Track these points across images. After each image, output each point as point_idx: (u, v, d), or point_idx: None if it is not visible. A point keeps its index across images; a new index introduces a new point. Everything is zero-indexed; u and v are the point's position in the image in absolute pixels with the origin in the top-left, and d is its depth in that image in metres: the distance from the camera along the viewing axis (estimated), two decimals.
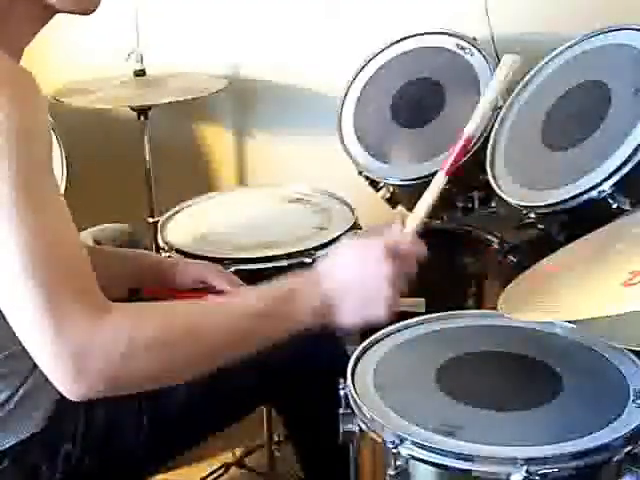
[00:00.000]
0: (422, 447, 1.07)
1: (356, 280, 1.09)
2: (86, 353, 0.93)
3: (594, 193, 1.54)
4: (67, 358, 0.92)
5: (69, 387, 0.94)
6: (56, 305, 0.92)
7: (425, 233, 1.22)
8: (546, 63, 1.82)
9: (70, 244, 0.97)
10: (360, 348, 1.27)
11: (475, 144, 1.74)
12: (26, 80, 0.98)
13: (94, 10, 1.08)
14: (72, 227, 0.98)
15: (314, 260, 1.61)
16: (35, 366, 1.14)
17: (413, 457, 1.07)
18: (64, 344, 0.92)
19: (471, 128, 1.28)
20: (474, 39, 1.97)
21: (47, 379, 0.95)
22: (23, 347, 0.95)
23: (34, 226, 0.92)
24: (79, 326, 0.92)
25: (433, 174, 1.82)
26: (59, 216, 0.97)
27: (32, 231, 0.92)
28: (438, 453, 1.06)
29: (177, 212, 1.87)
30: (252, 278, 1.61)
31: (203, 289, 1.46)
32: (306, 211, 1.83)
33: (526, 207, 1.66)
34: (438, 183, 1.25)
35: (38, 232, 0.92)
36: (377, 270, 1.09)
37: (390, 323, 1.23)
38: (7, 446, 1.15)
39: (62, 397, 1.19)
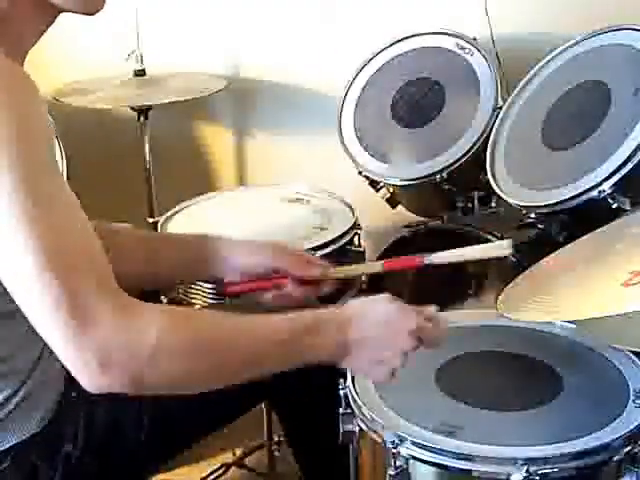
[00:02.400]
0: (422, 447, 1.07)
1: (378, 342, 1.10)
2: (112, 348, 0.92)
3: (594, 193, 1.54)
4: (92, 351, 0.92)
5: (91, 380, 0.94)
6: (77, 298, 0.91)
7: (425, 233, 1.22)
8: (546, 63, 1.82)
9: (85, 237, 0.97)
10: None
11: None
12: (23, 82, 0.97)
13: (99, 10, 1.08)
14: (84, 222, 0.98)
15: None
16: (35, 366, 1.14)
17: (413, 457, 1.08)
18: (89, 338, 0.91)
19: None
20: (474, 39, 1.97)
21: (47, 380, 0.95)
22: (24, 347, 0.95)
23: (44, 222, 0.92)
24: (105, 320, 0.92)
25: (433, 174, 1.86)
26: (69, 211, 0.97)
27: (42, 227, 0.92)
28: (438, 453, 1.06)
29: (177, 212, 1.86)
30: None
31: (281, 276, 1.35)
32: (306, 211, 1.83)
33: (526, 207, 1.66)
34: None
35: (48, 228, 0.92)
36: (401, 342, 1.10)
37: None
38: (7, 446, 1.15)
39: (62, 397, 1.19)
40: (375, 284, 1.67)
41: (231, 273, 1.35)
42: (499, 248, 1.27)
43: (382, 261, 1.33)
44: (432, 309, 1.16)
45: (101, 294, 0.93)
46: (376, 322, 1.11)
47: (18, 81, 0.97)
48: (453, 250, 1.27)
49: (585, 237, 1.29)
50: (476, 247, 1.30)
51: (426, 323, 1.13)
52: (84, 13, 1.07)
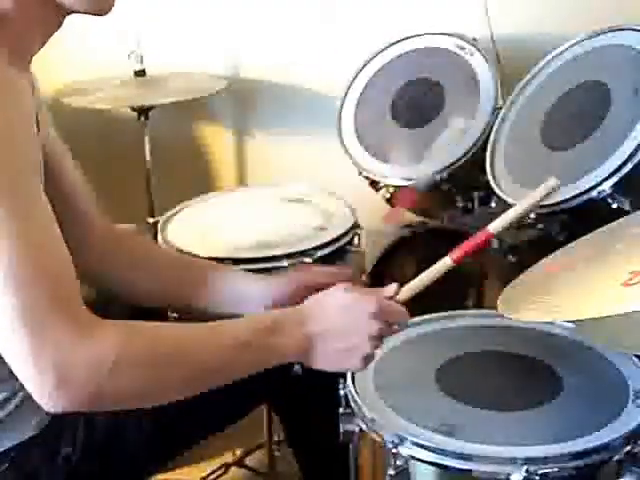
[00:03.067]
0: (422, 447, 1.07)
1: (339, 330, 1.10)
2: (69, 366, 0.91)
3: (594, 193, 1.54)
4: (48, 370, 0.91)
5: (48, 400, 0.93)
6: (35, 315, 0.90)
7: (425, 233, 1.22)
8: (546, 63, 1.82)
9: (52, 254, 0.95)
10: None
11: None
12: (6, 86, 0.96)
13: (109, 11, 1.06)
14: (56, 235, 0.97)
15: (314, 261, 1.61)
16: None
17: (413, 457, 1.08)
18: (45, 355, 0.90)
19: (496, 226, 1.21)
20: (474, 39, 1.97)
21: None
22: None
23: (16, 237, 0.90)
24: (62, 338, 0.91)
25: (433, 174, 1.85)
26: (40, 226, 0.95)
27: (14, 241, 0.90)
28: (438, 453, 1.06)
29: (177, 212, 1.86)
30: None
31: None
32: (306, 211, 1.83)
33: None
34: (441, 268, 1.19)
35: (18, 241, 0.90)
36: (364, 326, 1.10)
37: None
38: (6, 448, 1.15)
39: None
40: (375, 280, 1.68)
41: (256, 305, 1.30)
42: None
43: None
44: (392, 287, 1.15)
45: (58, 312, 0.92)
46: (334, 311, 1.11)
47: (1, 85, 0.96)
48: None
49: (585, 237, 1.29)
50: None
51: (387, 303, 1.13)
52: (94, 13, 1.06)
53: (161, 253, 1.49)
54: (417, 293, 1.18)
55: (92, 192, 1.37)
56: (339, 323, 1.10)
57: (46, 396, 0.93)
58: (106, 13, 1.07)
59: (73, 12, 1.05)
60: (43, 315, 0.91)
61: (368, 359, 1.11)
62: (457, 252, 1.19)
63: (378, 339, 1.11)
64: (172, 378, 1.01)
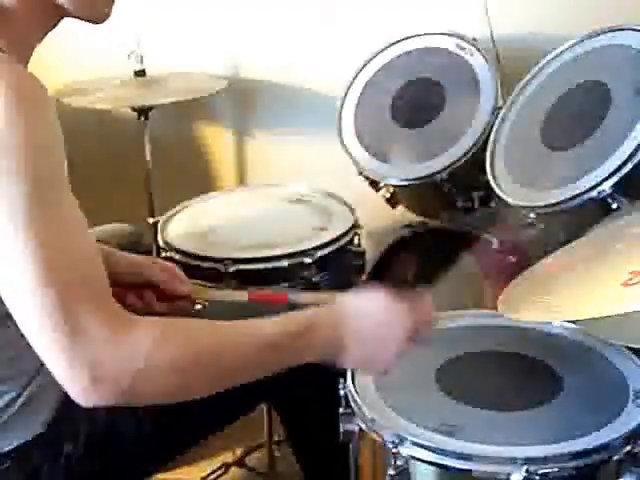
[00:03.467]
0: (422, 447, 1.07)
1: (374, 335, 1.11)
2: (102, 363, 0.92)
3: (594, 193, 1.54)
4: (82, 367, 0.91)
5: (81, 395, 0.93)
6: (70, 312, 0.91)
7: (425, 233, 1.22)
8: (546, 63, 1.82)
9: (84, 252, 0.96)
10: None
11: None
12: (31, 84, 0.97)
13: (105, 19, 1.08)
14: (87, 235, 0.98)
15: (314, 261, 1.61)
16: (39, 367, 1.14)
17: (413, 457, 1.08)
18: (80, 352, 0.91)
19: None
20: (474, 39, 1.97)
21: (51, 380, 0.95)
22: (29, 347, 0.94)
23: (46, 235, 0.91)
24: (96, 335, 0.92)
25: (433, 174, 1.85)
26: (73, 225, 0.96)
27: (44, 240, 0.91)
28: (438, 453, 1.06)
29: (177, 212, 1.86)
30: (252, 278, 1.61)
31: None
32: (306, 211, 1.83)
33: (526, 207, 1.66)
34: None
35: (50, 241, 0.92)
36: (397, 334, 1.11)
37: None
38: (10, 447, 1.15)
39: (65, 399, 1.19)
40: (375, 280, 1.68)
41: None
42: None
43: (247, 291, 1.34)
44: (429, 305, 1.17)
45: (93, 309, 0.93)
46: (374, 321, 1.11)
47: (28, 86, 0.96)
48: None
49: (585, 237, 1.29)
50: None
51: (421, 321, 1.14)
52: (90, 21, 1.08)
53: None
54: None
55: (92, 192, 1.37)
56: (375, 334, 1.11)
57: (79, 392, 0.93)
58: (102, 22, 1.08)
59: (70, 16, 1.06)
60: (76, 313, 0.92)
61: (392, 361, 1.13)
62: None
63: (406, 343, 1.12)
64: (203, 378, 1.01)
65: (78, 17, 1.06)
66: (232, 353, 1.03)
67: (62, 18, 1.07)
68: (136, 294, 1.35)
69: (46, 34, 1.09)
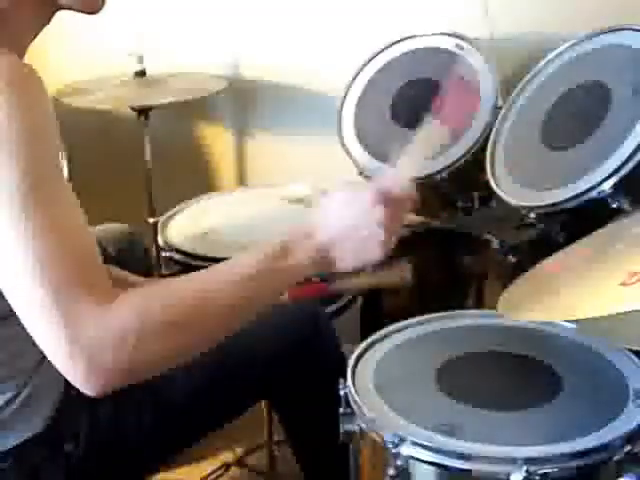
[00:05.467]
0: (422, 447, 1.07)
1: (349, 228, 1.10)
2: (98, 347, 0.92)
3: (594, 193, 1.54)
4: (80, 355, 0.91)
5: (86, 383, 0.94)
6: (66, 302, 0.91)
7: (425, 233, 1.22)
8: (546, 63, 1.82)
9: (79, 239, 0.96)
10: (360, 348, 1.27)
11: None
12: (27, 76, 0.97)
13: (100, 9, 1.08)
14: (82, 222, 0.98)
15: None
16: (39, 365, 1.14)
17: (413, 457, 1.07)
18: (77, 341, 0.91)
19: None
20: (474, 39, 1.97)
21: (51, 379, 0.95)
22: (28, 345, 0.95)
23: (42, 224, 0.92)
24: (89, 322, 0.92)
25: (433, 174, 1.85)
26: (67, 212, 0.96)
27: (40, 229, 0.91)
28: (438, 453, 1.06)
29: (177, 212, 1.87)
30: None
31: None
32: (306, 211, 1.83)
33: (526, 207, 1.66)
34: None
35: (46, 229, 0.92)
36: (369, 216, 1.10)
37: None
38: (10, 446, 1.15)
39: (65, 398, 1.19)
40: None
41: None
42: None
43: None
44: (388, 172, 1.18)
45: (88, 296, 0.92)
46: (336, 213, 1.11)
47: (24, 77, 0.96)
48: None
49: (585, 237, 1.29)
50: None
51: (385, 185, 1.13)
52: (86, 12, 1.07)
53: None
54: (414, 162, 1.21)
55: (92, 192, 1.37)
56: (343, 222, 1.10)
57: (84, 380, 0.93)
58: (97, 12, 1.08)
59: (64, 8, 1.06)
60: (72, 302, 0.92)
61: (385, 245, 1.11)
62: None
63: (388, 222, 1.10)
64: (197, 330, 1.00)
65: (73, 8, 1.06)
66: (217, 295, 1.02)
67: (57, 10, 1.07)
68: None
69: (42, 27, 1.08)
